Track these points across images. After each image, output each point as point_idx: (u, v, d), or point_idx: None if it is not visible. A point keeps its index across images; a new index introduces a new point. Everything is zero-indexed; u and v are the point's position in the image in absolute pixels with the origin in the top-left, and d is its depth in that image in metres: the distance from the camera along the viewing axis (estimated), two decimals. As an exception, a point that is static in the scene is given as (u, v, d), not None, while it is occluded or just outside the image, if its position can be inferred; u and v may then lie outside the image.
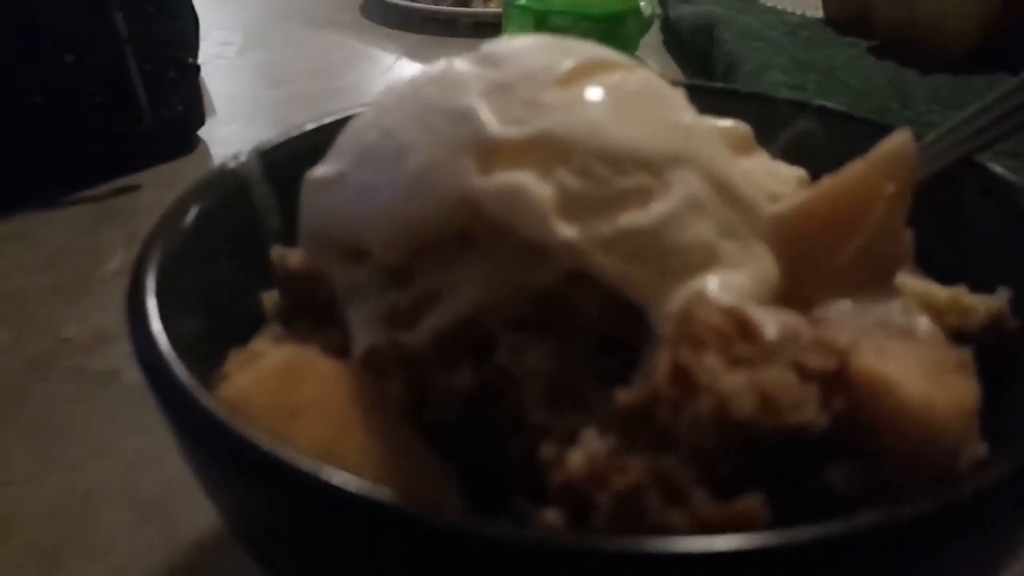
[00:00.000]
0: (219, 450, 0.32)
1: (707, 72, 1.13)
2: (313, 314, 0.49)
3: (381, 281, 0.43)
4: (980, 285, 0.45)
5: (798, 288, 0.37)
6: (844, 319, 0.34)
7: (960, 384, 0.29)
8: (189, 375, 0.35)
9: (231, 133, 1.10)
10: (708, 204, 0.35)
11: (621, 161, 0.35)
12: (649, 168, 0.35)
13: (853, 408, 0.30)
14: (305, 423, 0.35)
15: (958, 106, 0.99)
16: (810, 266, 0.37)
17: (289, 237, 0.54)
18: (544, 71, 0.38)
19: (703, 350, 0.31)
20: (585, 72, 0.38)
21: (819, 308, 0.35)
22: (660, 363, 0.31)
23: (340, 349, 0.45)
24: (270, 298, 0.51)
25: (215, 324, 0.46)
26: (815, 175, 0.54)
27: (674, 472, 0.28)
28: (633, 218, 0.34)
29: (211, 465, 0.34)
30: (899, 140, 0.37)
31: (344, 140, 0.43)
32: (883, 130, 0.56)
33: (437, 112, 0.38)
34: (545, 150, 0.36)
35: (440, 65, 0.41)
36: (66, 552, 0.51)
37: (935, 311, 0.42)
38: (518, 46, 0.41)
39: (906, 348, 0.31)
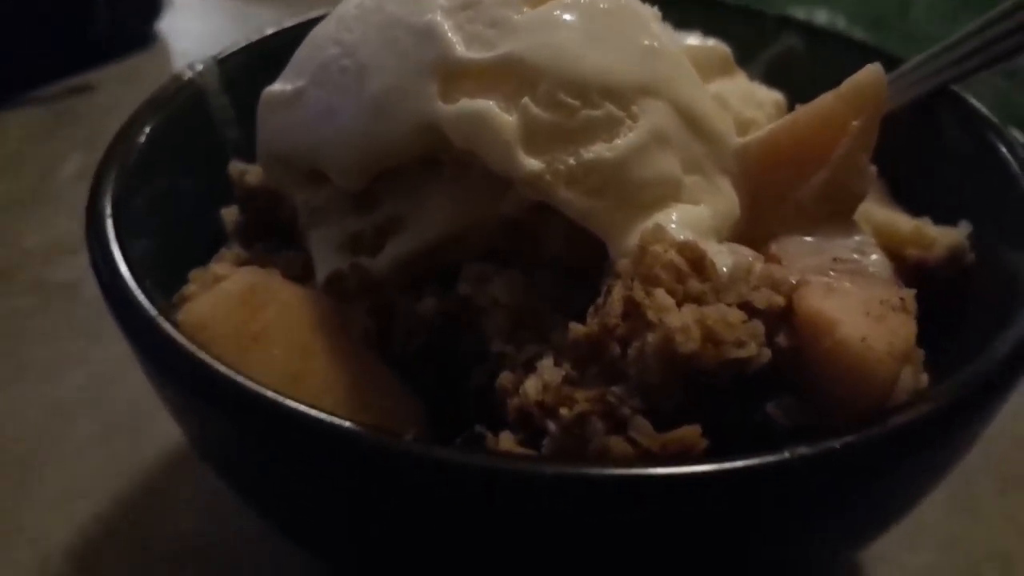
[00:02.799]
0: (180, 376, 0.32)
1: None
2: (274, 233, 0.48)
3: (343, 206, 0.42)
4: (947, 215, 0.45)
5: (760, 221, 0.37)
6: (801, 255, 0.34)
7: (898, 324, 0.30)
8: (149, 301, 0.35)
9: (190, 26, 1.05)
10: (674, 137, 0.35)
11: (588, 91, 0.34)
12: (616, 99, 0.34)
13: (795, 346, 0.30)
14: (268, 349, 0.35)
15: (956, 20, 0.97)
16: (773, 199, 0.37)
17: (248, 150, 0.52)
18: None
19: (655, 286, 0.31)
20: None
21: (778, 242, 0.36)
22: (612, 297, 0.31)
23: (302, 272, 0.44)
24: (230, 214, 0.50)
25: (175, 242, 0.45)
26: (798, 95, 0.53)
27: (619, 402, 0.29)
28: (598, 151, 0.34)
29: (174, 390, 0.34)
30: (869, 74, 0.36)
31: (302, 54, 0.41)
32: (866, 51, 0.56)
33: (399, 28, 0.37)
34: (511, 76, 0.35)
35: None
36: (38, 462, 0.52)
37: (898, 242, 0.43)
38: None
39: (854, 287, 0.32)
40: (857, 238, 0.36)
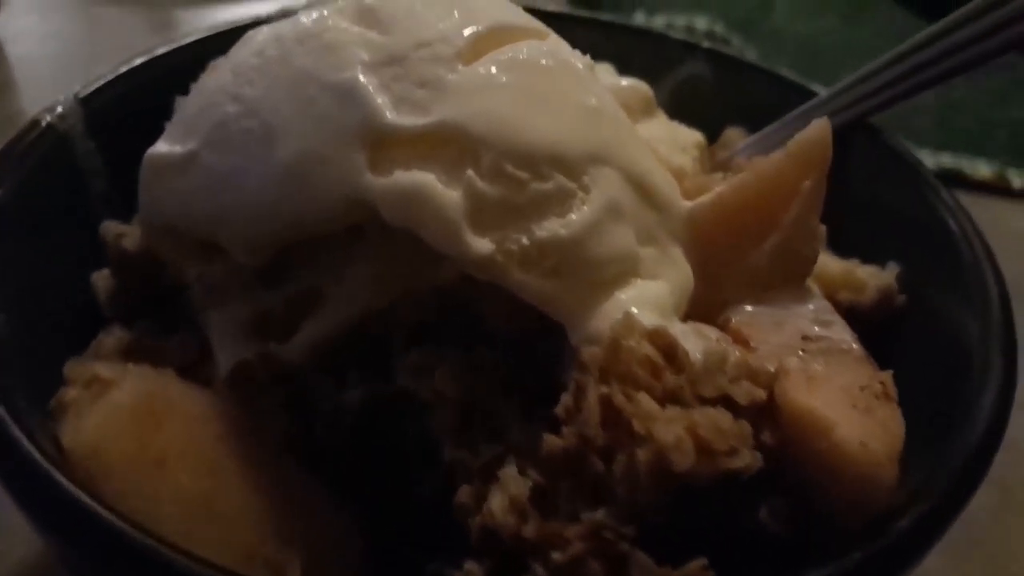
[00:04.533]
0: (74, 532, 0.26)
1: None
2: (157, 306, 0.42)
3: (245, 280, 0.36)
4: (873, 255, 0.45)
5: (711, 287, 0.35)
6: (765, 330, 0.32)
7: (888, 416, 0.29)
8: (24, 432, 0.28)
9: (29, 26, 0.92)
10: (627, 207, 0.32)
11: (537, 161, 0.31)
12: (566, 169, 0.31)
13: (782, 443, 0.29)
14: (173, 474, 0.29)
15: (817, 17, 1.00)
16: (723, 266, 0.35)
17: (121, 205, 0.45)
18: (442, 41, 0.32)
19: (632, 385, 0.28)
20: (488, 42, 0.33)
21: (736, 313, 0.33)
22: (589, 401, 0.28)
23: (199, 357, 0.38)
24: (102, 279, 0.43)
25: (39, 317, 0.38)
26: (704, 121, 0.52)
27: (615, 537, 0.26)
28: (552, 228, 0.30)
29: (67, 546, 0.28)
30: (817, 131, 0.35)
31: (191, 110, 0.35)
32: (775, 80, 0.55)
33: (313, 85, 0.32)
34: (450, 145, 0.31)
35: (310, 18, 0.34)
36: None
37: (830, 286, 0.42)
38: (397, 2, 0.34)
39: (831, 370, 0.30)
40: (812, 305, 0.34)
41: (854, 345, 0.33)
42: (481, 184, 0.30)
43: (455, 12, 0.33)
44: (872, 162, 0.48)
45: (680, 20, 0.97)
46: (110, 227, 0.42)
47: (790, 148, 0.35)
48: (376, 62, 0.32)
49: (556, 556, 0.26)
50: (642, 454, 0.26)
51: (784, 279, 0.35)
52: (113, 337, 0.38)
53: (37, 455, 0.28)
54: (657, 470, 0.26)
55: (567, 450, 0.27)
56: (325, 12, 0.34)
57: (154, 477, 0.29)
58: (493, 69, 0.32)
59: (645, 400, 0.27)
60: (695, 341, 0.30)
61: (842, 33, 1.00)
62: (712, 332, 0.31)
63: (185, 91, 0.45)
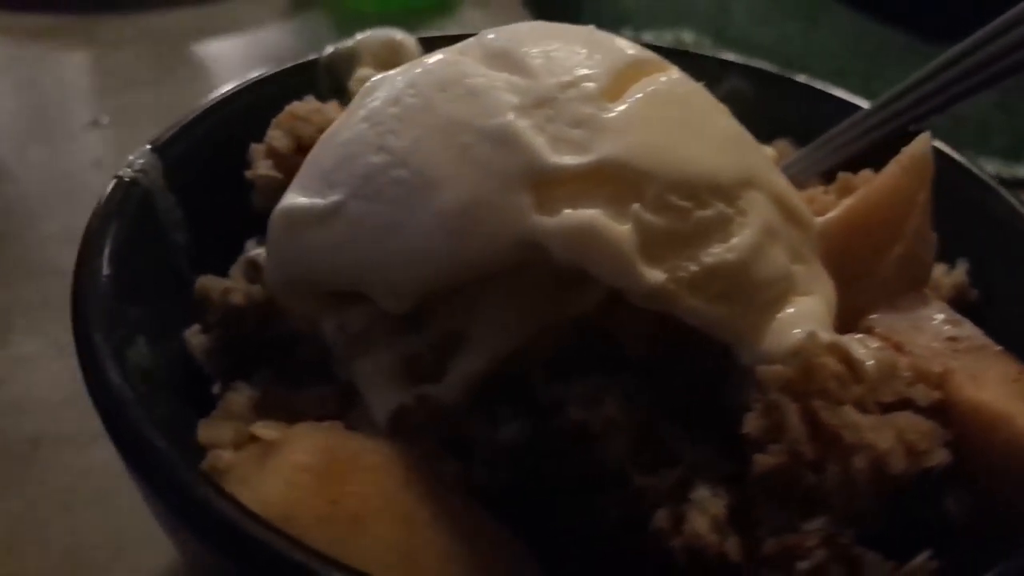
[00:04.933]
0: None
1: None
2: (273, 359, 0.41)
3: (390, 327, 0.36)
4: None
5: (845, 300, 0.36)
6: (911, 334, 0.34)
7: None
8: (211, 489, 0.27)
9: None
10: (778, 228, 0.33)
11: (698, 190, 0.32)
12: (724, 195, 0.32)
13: (958, 438, 0.30)
14: (372, 528, 0.29)
15: (768, 22, 1.04)
16: (855, 277, 0.37)
17: (202, 259, 0.44)
18: (583, 79, 0.33)
19: (832, 401, 0.29)
20: (626, 78, 0.34)
21: (875, 322, 0.35)
22: (790, 419, 0.29)
23: (338, 409, 0.38)
24: (197, 338, 0.42)
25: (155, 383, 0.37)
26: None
27: (849, 542, 0.27)
28: (719, 254, 0.32)
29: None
30: (923, 144, 0.37)
31: (327, 162, 0.35)
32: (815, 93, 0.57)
33: (468, 133, 0.32)
34: (614, 181, 0.31)
35: (443, 66, 0.35)
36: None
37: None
38: (530, 39, 0.35)
39: (985, 365, 0.32)
40: (937, 308, 0.36)
41: (986, 340, 0.35)
42: (648, 216, 0.31)
43: (587, 51, 0.34)
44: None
45: (667, 35, 1.00)
46: (210, 283, 0.41)
47: (903, 162, 0.37)
48: (526, 105, 0.32)
49: (802, 565, 0.27)
50: (858, 462, 0.27)
51: (909, 286, 0.36)
52: (241, 395, 0.37)
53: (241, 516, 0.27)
54: (875, 475, 0.27)
55: (779, 467, 0.28)
56: (455, 57, 0.35)
57: (354, 533, 0.29)
58: (641, 104, 0.33)
59: (850, 413, 0.28)
60: (863, 351, 0.32)
61: (804, 39, 1.05)
62: (871, 341, 0.33)
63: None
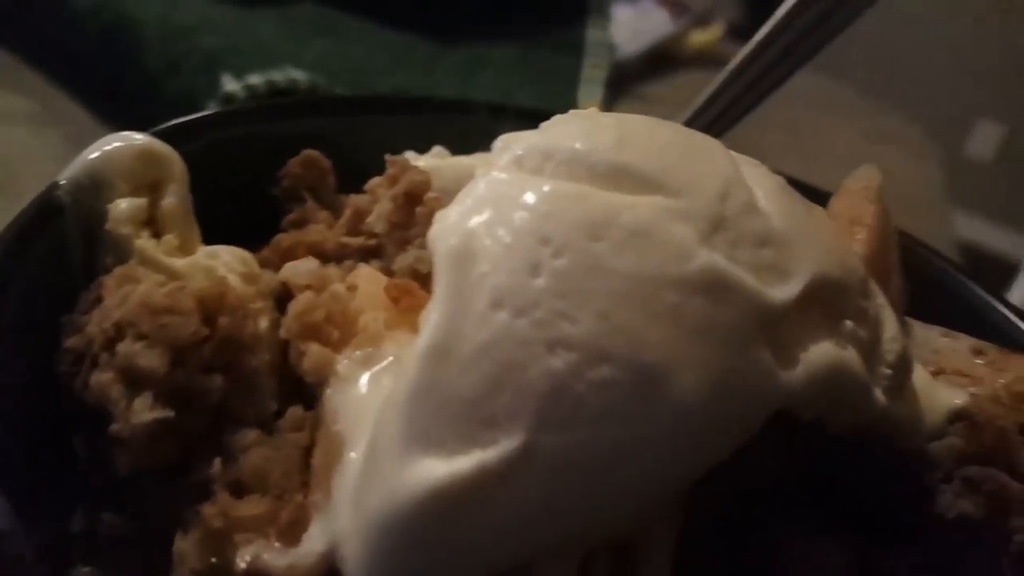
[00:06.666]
0: None
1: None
2: None
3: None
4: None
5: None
6: (949, 357, 0.36)
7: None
8: None
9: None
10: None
11: (865, 284, 0.29)
12: (873, 285, 0.30)
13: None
14: None
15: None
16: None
17: None
18: (726, 185, 0.26)
19: (1013, 452, 0.30)
20: (752, 177, 0.28)
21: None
22: (1011, 487, 0.29)
23: None
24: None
25: None
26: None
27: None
28: (894, 348, 0.29)
29: None
30: (874, 174, 0.39)
31: (465, 389, 0.22)
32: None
33: (669, 290, 0.23)
34: (821, 302, 0.26)
35: (568, 203, 0.24)
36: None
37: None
38: (619, 142, 0.27)
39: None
40: (927, 328, 0.40)
41: (994, 345, 0.39)
42: (861, 332, 0.27)
43: (700, 151, 0.28)
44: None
45: (277, 76, 0.86)
46: None
47: (870, 192, 0.38)
48: (703, 232, 0.25)
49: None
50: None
51: (899, 310, 0.39)
52: None
53: None
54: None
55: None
56: (564, 186, 0.25)
57: None
58: (784, 204, 0.28)
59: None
60: (956, 391, 0.33)
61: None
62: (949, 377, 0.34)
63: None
